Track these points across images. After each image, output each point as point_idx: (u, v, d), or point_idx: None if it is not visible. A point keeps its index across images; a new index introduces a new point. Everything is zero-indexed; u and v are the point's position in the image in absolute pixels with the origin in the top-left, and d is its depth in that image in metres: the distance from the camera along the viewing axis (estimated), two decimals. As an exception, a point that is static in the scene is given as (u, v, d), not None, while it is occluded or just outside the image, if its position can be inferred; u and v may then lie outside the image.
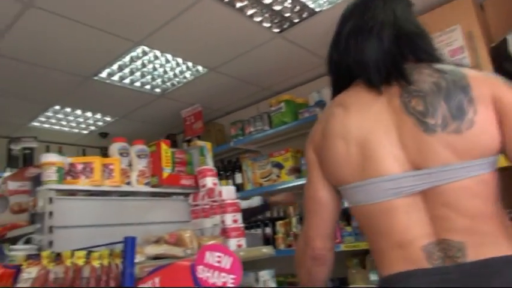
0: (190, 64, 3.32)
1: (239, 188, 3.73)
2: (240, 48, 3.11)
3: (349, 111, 1.00)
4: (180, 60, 3.24)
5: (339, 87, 1.12)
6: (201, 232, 1.76)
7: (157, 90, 3.77)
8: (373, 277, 2.71)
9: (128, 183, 1.73)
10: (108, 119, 4.40)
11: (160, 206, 1.87)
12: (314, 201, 1.09)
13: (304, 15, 2.75)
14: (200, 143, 2.06)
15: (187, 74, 3.51)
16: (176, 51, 3.09)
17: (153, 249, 1.38)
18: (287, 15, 2.72)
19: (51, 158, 1.52)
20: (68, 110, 4.06)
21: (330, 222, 1.09)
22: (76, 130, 4.63)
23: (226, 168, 4.12)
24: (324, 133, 1.03)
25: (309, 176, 1.11)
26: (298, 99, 3.68)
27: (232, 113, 4.49)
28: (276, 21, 2.77)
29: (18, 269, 1.09)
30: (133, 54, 3.06)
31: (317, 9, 2.70)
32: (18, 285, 0.98)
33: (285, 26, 2.85)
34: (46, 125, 4.39)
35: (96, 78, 3.37)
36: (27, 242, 1.45)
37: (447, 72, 0.94)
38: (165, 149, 1.83)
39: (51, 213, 1.44)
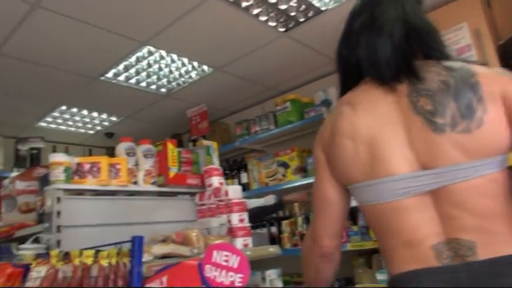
0: (195, 64, 3.33)
1: (245, 187, 3.73)
2: (246, 47, 3.11)
3: (357, 110, 0.99)
4: (185, 60, 3.25)
5: (347, 85, 1.11)
6: (207, 231, 1.76)
7: (163, 90, 3.78)
8: (380, 277, 2.70)
9: (135, 183, 1.74)
10: (114, 119, 4.41)
11: (167, 206, 1.88)
12: (323, 200, 1.08)
13: (310, 14, 2.74)
14: (206, 142, 2.06)
15: (193, 74, 3.51)
16: (182, 51, 3.09)
17: (160, 249, 1.39)
18: (293, 14, 2.71)
19: (59, 157, 1.53)
20: (75, 110, 4.08)
21: (338, 221, 1.09)
22: (82, 130, 4.66)
23: (232, 168, 4.13)
24: (333, 132, 1.03)
25: (318, 174, 1.11)
26: (304, 98, 3.67)
27: (238, 112, 4.50)
28: (281, 20, 2.76)
29: (27, 268, 1.10)
30: (139, 54, 3.07)
31: (323, 8, 2.70)
32: (27, 284, 0.99)
33: (291, 25, 2.85)
34: (53, 125, 4.41)
35: (102, 78, 3.38)
36: (36, 241, 1.46)
37: (456, 69, 0.93)
38: (172, 149, 1.83)
39: (59, 213, 1.45)
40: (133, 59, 3.14)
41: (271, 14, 2.68)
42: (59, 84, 3.44)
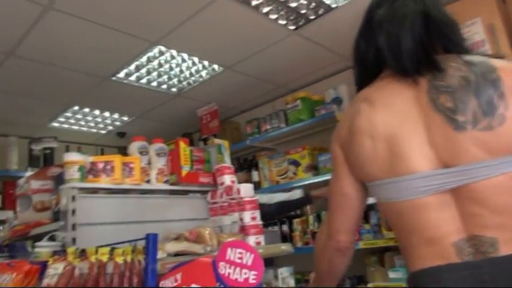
0: (206, 63, 3.34)
1: (256, 186, 3.73)
2: (256, 46, 3.11)
3: (374, 106, 0.99)
4: (196, 60, 3.26)
5: (363, 80, 1.10)
6: (220, 229, 1.76)
7: (174, 89, 3.80)
8: (392, 275, 2.69)
9: (148, 181, 1.75)
10: (125, 118, 4.45)
11: (179, 204, 1.88)
12: (340, 196, 1.09)
13: (320, 12, 2.74)
14: (218, 141, 2.07)
15: (203, 73, 3.53)
16: (192, 50, 3.11)
17: (173, 246, 1.40)
18: (303, 12, 2.71)
19: (74, 157, 1.55)
20: (87, 110, 4.13)
21: (354, 217, 1.09)
22: (94, 130, 4.71)
23: (243, 167, 4.14)
24: (350, 129, 1.02)
25: (335, 171, 1.11)
26: (315, 96, 3.67)
27: (248, 111, 4.50)
28: (291, 18, 2.76)
29: (44, 265, 1.12)
30: (150, 54, 3.10)
31: (333, 6, 2.69)
32: (44, 281, 1.01)
33: (301, 23, 2.84)
34: (65, 125, 4.47)
35: (114, 78, 3.42)
36: (51, 239, 1.48)
37: (476, 64, 0.92)
38: (184, 147, 1.84)
39: (74, 211, 1.46)
40: (144, 59, 3.16)
41: (281, 12, 2.68)
42: (71, 85, 3.48)
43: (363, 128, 0.99)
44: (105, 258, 1.02)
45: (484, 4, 2.32)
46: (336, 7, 2.71)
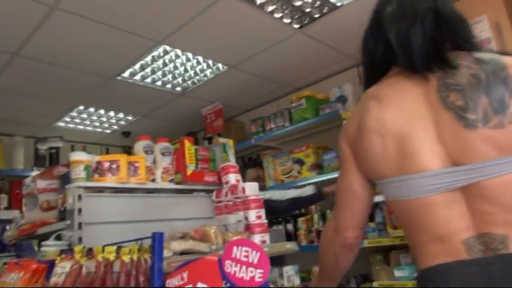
0: (210, 62, 3.34)
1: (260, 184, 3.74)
2: (260, 45, 3.11)
3: (383, 104, 0.98)
4: (200, 59, 3.27)
5: (372, 78, 1.10)
6: (225, 228, 1.77)
7: (178, 88, 3.81)
8: (398, 273, 2.68)
9: (153, 181, 1.75)
10: (130, 118, 4.47)
11: (184, 203, 1.89)
12: (348, 192, 1.09)
13: (325, 10, 2.73)
14: (222, 140, 2.07)
15: (208, 72, 3.53)
16: (197, 49, 3.11)
17: (179, 245, 1.40)
18: (307, 10, 2.70)
19: (80, 156, 1.55)
20: (92, 109, 4.14)
21: (362, 213, 1.10)
22: (99, 129, 4.73)
23: (247, 165, 4.14)
24: (359, 127, 1.02)
25: (343, 168, 1.11)
26: (319, 95, 3.66)
27: (253, 110, 4.51)
28: (296, 17, 2.76)
29: (51, 264, 1.13)
30: (155, 53, 3.10)
31: (338, 4, 2.68)
32: (52, 279, 1.02)
33: (305, 22, 2.84)
34: (71, 125, 4.49)
35: (118, 78, 3.43)
36: (58, 238, 1.48)
37: (487, 62, 0.92)
38: (189, 146, 1.84)
39: (80, 210, 1.47)
40: (149, 58, 3.17)
41: (286, 11, 2.68)
42: (77, 85, 3.50)
43: (371, 125, 0.98)
44: (111, 257, 1.02)
45: (490, 2, 2.31)
46: (341, 5, 2.70)
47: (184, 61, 3.29)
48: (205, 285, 0.98)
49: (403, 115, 0.95)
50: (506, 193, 0.86)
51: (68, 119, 4.33)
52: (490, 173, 0.86)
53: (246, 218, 1.76)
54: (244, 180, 3.12)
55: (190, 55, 3.20)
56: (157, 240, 1.06)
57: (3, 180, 4.11)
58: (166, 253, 1.29)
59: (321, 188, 2.69)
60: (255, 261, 0.92)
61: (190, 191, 1.93)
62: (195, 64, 3.36)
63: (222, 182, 1.92)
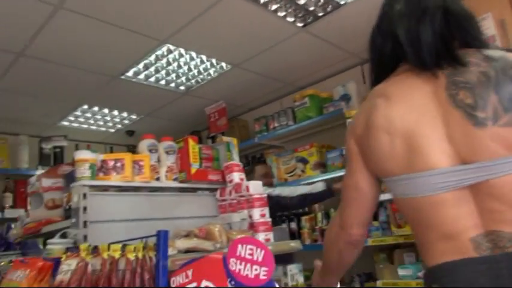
0: (214, 61, 3.35)
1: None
2: (264, 43, 3.11)
3: (391, 102, 0.98)
4: (204, 58, 3.28)
5: (379, 75, 1.10)
6: (229, 226, 1.77)
7: (182, 88, 3.82)
8: (401, 272, 2.68)
9: (157, 179, 1.76)
10: (134, 117, 4.48)
11: (189, 201, 1.89)
12: (355, 190, 1.09)
13: (329, 9, 2.73)
14: (226, 138, 2.07)
15: (211, 71, 3.54)
16: (200, 48, 3.12)
17: (183, 243, 1.41)
18: (311, 9, 2.70)
19: (84, 155, 1.56)
20: (96, 109, 4.16)
21: (368, 211, 1.10)
22: (103, 129, 4.74)
23: (251, 164, 4.14)
24: (367, 125, 1.02)
25: (350, 165, 1.11)
26: (323, 93, 3.66)
27: (256, 109, 4.51)
28: (300, 15, 2.76)
29: (57, 262, 1.13)
30: (159, 52, 3.11)
31: (341, 2, 2.68)
32: (58, 277, 1.02)
33: (309, 20, 2.84)
34: (75, 124, 4.51)
35: (122, 77, 3.44)
36: (63, 236, 1.49)
37: (496, 59, 0.92)
38: (193, 145, 1.85)
39: (85, 208, 1.48)
40: (152, 57, 3.18)
41: (290, 10, 2.68)
42: (81, 84, 3.52)
43: (379, 123, 0.98)
44: (117, 255, 1.03)
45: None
46: (344, 4, 2.70)
47: (188, 60, 3.30)
48: (210, 283, 0.99)
49: (411, 113, 0.95)
50: None
51: (72, 118, 4.35)
52: (500, 171, 0.85)
53: (250, 217, 1.77)
54: (253, 176, 3.12)
55: (193, 54, 3.20)
56: (162, 238, 1.06)
57: (8, 179, 4.14)
58: (170, 251, 1.29)
59: (331, 184, 2.67)
60: (260, 259, 0.92)
61: (194, 190, 1.94)
62: (198, 63, 3.37)
63: (226, 181, 1.93)
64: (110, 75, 3.40)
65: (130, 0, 2.41)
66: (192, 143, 1.85)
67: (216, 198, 1.96)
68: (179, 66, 3.39)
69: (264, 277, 0.91)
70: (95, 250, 1.05)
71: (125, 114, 4.41)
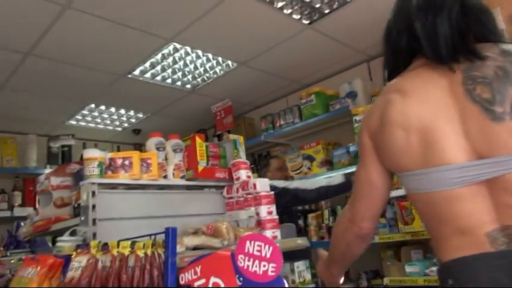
0: (220, 59, 3.35)
1: (270, 181, 3.74)
2: (270, 41, 3.11)
3: (407, 97, 0.98)
4: (210, 56, 3.28)
5: (394, 69, 1.10)
6: (236, 224, 1.78)
7: (188, 86, 3.83)
8: (409, 269, 2.67)
9: (165, 177, 1.77)
10: (140, 115, 4.50)
11: (196, 199, 1.91)
12: (367, 184, 1.09)
13: (335, 6, 2.72)
14: (233, 136, 2.08)
15: (217, 69, 3.54)
16: (206, 46, 3.12)
17: (191, 240, 1.42)
18: (317, 6, 2.70)
19: (93, 153, 1.57)
20: (103, 108, 4.18)
21: (379, 205, 1.10)
22: (110, 127, 4.77)
23: (257, 162, 4.15)
24: (382, 121, 1.01)
25: (363, 160, 1.11)
26: (329, 91, 3.65)
27: (262, 106, 4.51)
28: (306, 12, 2.75)
29: (67, 259, 1.15)
30: (165, 51, 3.12)
31: (347, -1, 2.67)
32: (69, 273, 1.04)
33: (315, 17, 2.83)
34: (82, 123, 4.54)
35: (129, 76, 3.46)
36: (72, 233, 1.51)
37: None
38: (200, 143, 1.86)
39: (94, 206, 1.49)
40: (159, 56, 3.19)
41: (296, 7, 2.67)
42: (88, 83, 3.54)
43: (394, 119, 0.98)
44: (126, 252, 1.04)
45: (504, -5, 2.28)
46: (350, 1, 2.69)
47: (194, 58, 3.31)
48: (218, 280, 1.00)
49: (427, 108, 0.95)
50: None
51: (79, 117, 4.38)
52: None
53: (257, 214, 1.78)
54: (268, 170, 3.10)
55: (200, 52, 3.21)
56: (171, 235, 1.07)
57: (17, 177, 4.18)
58: (179, 248, 1.30)
59: (350, 176, 2.64)
60: (268, 256, 0.93)
61: (201, 187, 1.95)
62: (204, 61, 3.38)
63: (232, 178, 1.93)
64: (117, 74, 3.42)
65: (136, -1, 2.43)
66: (199, 141, 1.86)
67: (223, 195, 1.97)
68: (185, 65, 3.40)
69: (273, 273, 0.92)
70: (104, 247, 1.07)
71: (131, 113, 4.43)
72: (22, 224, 2.88)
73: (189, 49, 3.14)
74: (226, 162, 2.01)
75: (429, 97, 0.96)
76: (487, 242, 0.87)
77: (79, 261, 1.04)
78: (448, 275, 0.93)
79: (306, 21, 2.86)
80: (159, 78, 3.58)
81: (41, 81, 3.40)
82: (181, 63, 3.36)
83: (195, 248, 1.43)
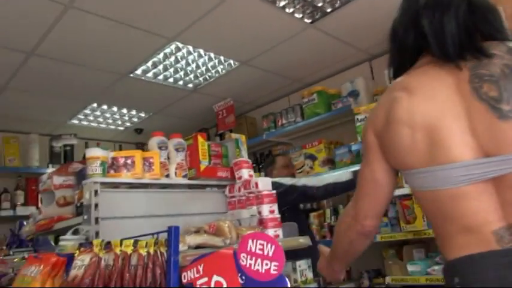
0: (222, 58, 3.36)
1: (272, 180, 3.74)
2: (272, 40, 3.11)
3: (413, 96, 0.98)
4: (212, 55, 3.28)
5: (400, 67, 1.10)
6: (238, 223, 1.78)
7: (190, 85, 3.83)
8: (411, 268, 2.67)
9: (167, 176, 1.77)
10: (142, 115, 4.51)
11: (198, 198, 1.91)
12: (372, 182, 1.10)
13: (337, 5, 2.72)
14: (235, 135, 2.08)
15: (220, 69, 3.55)
16: (208, 46, 3.13)
17: (194, 239, 1.42)
18: (319, 5, 2.69)
19: (96, 152, 1.58)
20: (105, 107, 4.19)
21: (383, 203, 1.11)
22: (112, 127, 4.78)
23: (259, 161, 4.15)
24: (388, 119, 1.01)
25: (367, 157, 1.11)
26: (331, 90, 3.65)
27: (264, 106, 4.51)
28: (308, 11, 2.75)
29: (70, 257, 1.15)
30: (167, 50, 3.13)
31: (349, -2, 2.67)
32: (72, 272, 1.04)
33: (317, 16, 2.83)
34: (84, 123, 4.55)
35: (131, 75, 3.46)
36: (75, 232, 1.51)
37: None
38: (202, 142, 1.86)
39: (96, 205, 1.49)
40: (161, 55, 3.19)
41: (298, 6, 2.67)
42: (90, 83, 3.55)
43: (400, 117, 0.98)
44: (129, 250, 1.04)
45: (505, -7, 2.28)
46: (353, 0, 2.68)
47: (196, 58, 3.31)
48: (220, 278, 1.00)
49: (433, 106, 0.95)
50: None
51: (81, 117, 4.39)
52: None
53: (259, 213, 1.78)
54: (274, 167, 3.09)
55: (202, 52, 3.21)
56: (173, 233, 1.07)
57: (19, 177, 4.19)
58: (181, 247, 1.31)
59: (357, 173, 2.64)
60: (270, 254, 0.93)
61: (204, 186, 1.95)
62: (206, 61, 3.38)
63: (234, 177, 1.94)
64: (119, 73, 3.42)
65: (138, -2, 2.43)
66: (201, 140, 1.86)
67: (225, 194, 1.97)
68: (187, 64, 3.41)
69: (275, 272, 0.92)
70: (107, 246, 1.07)
71: (133, 112, 4.44)
72: (25, 223, 2.89)
73: (191, 48, 3.14)
74: (228, 161, 2.01)
75: (435, 95, 0.96)
76: (494, 240, 0.87)
77: (82, 260, 1.04)
78: (454, 273, 0.93)
79: (308, 20, 2.86)
80: (161, 77, 3.58)
81: (43, 80, 3.41)
82: (183, 62, 3.36)
83: (197, 247, 1.43)
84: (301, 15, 2.79)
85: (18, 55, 2.94)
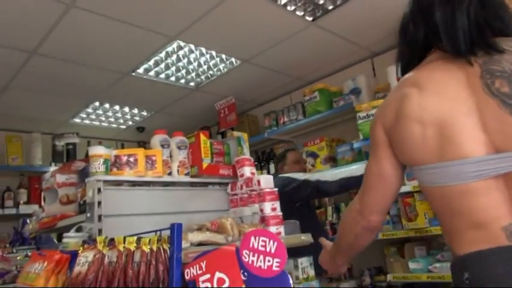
0: (224, 57, 3.36)
1: (274, 178, 3.74)
2: (273, 38, 3.11)
3: (424, 91, 0.97)
4: (214, 53, 3.29)
5: (409, 62, 1.10)
6: (240, 220, 1.79)
7: (192, 84, 3.84)
8: (412, 266, 2.67)
9: (169, 174, 1.78)
10: (144, 113, 4.52)
11: (200, 196, 1.92)
12: (378, 177, 1.10)
13: (338, 2, 2.72)
14: (237, 133, 2.09)
15: (221, 67, 3.55)
16: (210, 44, 3.13)
17: (196, 236, 1.43)
18: (321, 2, 2.69)
19: (99, 150, 1.58)
20: (107, 106, 4.20)
21: (389, 199, 1.11)
22: (114, 125, 4.79)
23: (261, 159, 4.16)
24: (397, 115, 1.01)
25: (375, 153, 1.11)
26: (333, 87, 3.65)
27: (266, 103, 4.51)
28: (309, 9, 2.75)
29: (73, 254, 1.16)
30: (169, 49, 3.13)
31: (350, -4, 2.67)
32: (76, 269, 1.05)
33: (319, 14, 2.83)
34: (87, 121, 4.56)
35: (133, 74, 3.47)
36: (78, 230, 1.52)
37: None
38: (204, 140, 1.87)
39: (99, 203, 1.50)
40: (163, 54, 3.20)
41: (299, 3, 2.67)
42: (92, 81, 3.55)
43: (411, 113, 0.97)
44: (132, 247, 1.05)
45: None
46: (354, -3, 2.68)
47: (198, 56, 3.32)
48: (223, 275, 1.01)
49: (444, 102, 0.94)
50: None
51: (83, 116, 4.40)
52: None
53: (261, 210, 1.78)
54: (285, 163, 3.07)
55: (203, 50, 3.22)
56: (176, 230, 1.08)
57: (22, 175, 4.21)
58: (184, 244, 1.31)
59: None
60: (273, 251, 0.94)
61: (206, 184, 1.96)
62: (208, 59, 3.38)
63: (236, 175, 1.94)
64: (121, 72, 3.43)
65: (140, -3, 2.43)
66: (203, 138, 1.87)
67: (227, 192, 1.98)
68: (189, 62, 3.41)
69: (277, 268, 0.93)
70: (111, 243, 1.08)
71: (135, 111, 4.44)
72: (28, 221, 2.91)
73: (192, 47, 3.14)
74: (231, 159, 2.02)
75: (446, 91, 0.95)
76: (503, 235, 0.87)
77: (86, 257, 1.05)
78: (463, 269, 0.92)
79: (309, 18, 2.86)
80: (162, 76, 3.59)
81: (45, 80, 3.42)
82: (185, 61, 3.37)
83: (200, 244, 1.44)
84: (302, 13, 2.79)
85: (21, 55, 2.95)
